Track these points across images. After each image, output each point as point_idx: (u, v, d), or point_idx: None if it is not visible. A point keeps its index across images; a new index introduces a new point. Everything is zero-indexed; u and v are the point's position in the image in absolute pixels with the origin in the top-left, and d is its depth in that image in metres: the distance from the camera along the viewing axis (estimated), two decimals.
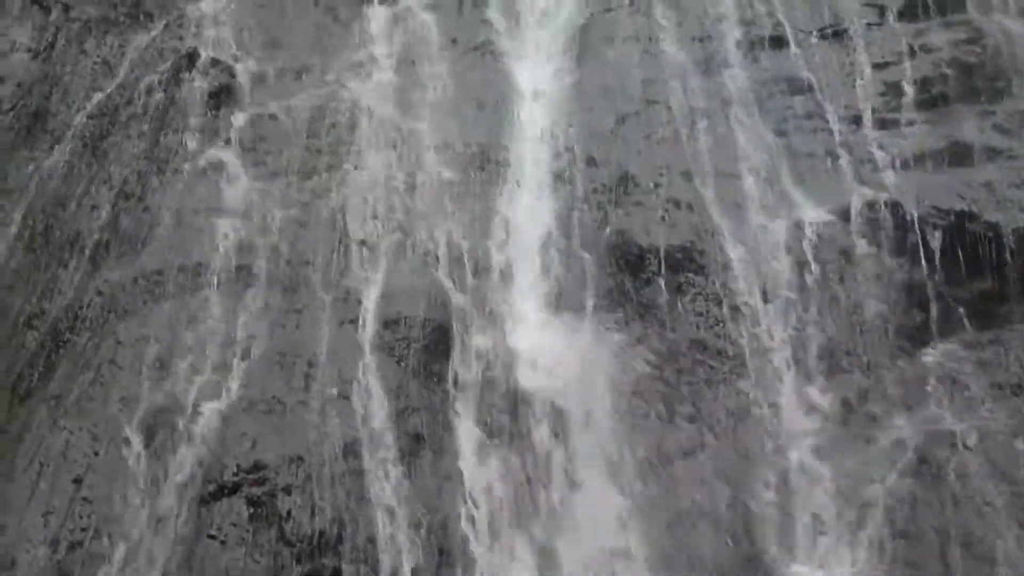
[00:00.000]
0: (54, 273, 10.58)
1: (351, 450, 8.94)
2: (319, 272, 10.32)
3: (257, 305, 10.06)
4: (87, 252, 10.61)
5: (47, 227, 11.03)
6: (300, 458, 8.78)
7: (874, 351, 9.69)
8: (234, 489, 8.63)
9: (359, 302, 10.07)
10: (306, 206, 10.81)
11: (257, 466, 8.74)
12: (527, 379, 9.80)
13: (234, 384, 9.43)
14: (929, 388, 9.34)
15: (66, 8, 12.31)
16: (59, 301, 10.30)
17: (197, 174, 11.06)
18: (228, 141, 11.39)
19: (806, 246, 10.41)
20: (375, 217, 10.81)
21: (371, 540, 8.45)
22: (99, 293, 10.18)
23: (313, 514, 8.48)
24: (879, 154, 11.01)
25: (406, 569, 8.44)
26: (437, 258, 10.52)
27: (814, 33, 12.30)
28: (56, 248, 10.79)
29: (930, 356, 9.55)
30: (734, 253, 10.40)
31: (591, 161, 11.35)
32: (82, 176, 11.38)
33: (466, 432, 9.44)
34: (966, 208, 10.22)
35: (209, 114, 11.63)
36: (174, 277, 10.19)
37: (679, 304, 10.08)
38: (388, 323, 9.88)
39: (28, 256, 10.85)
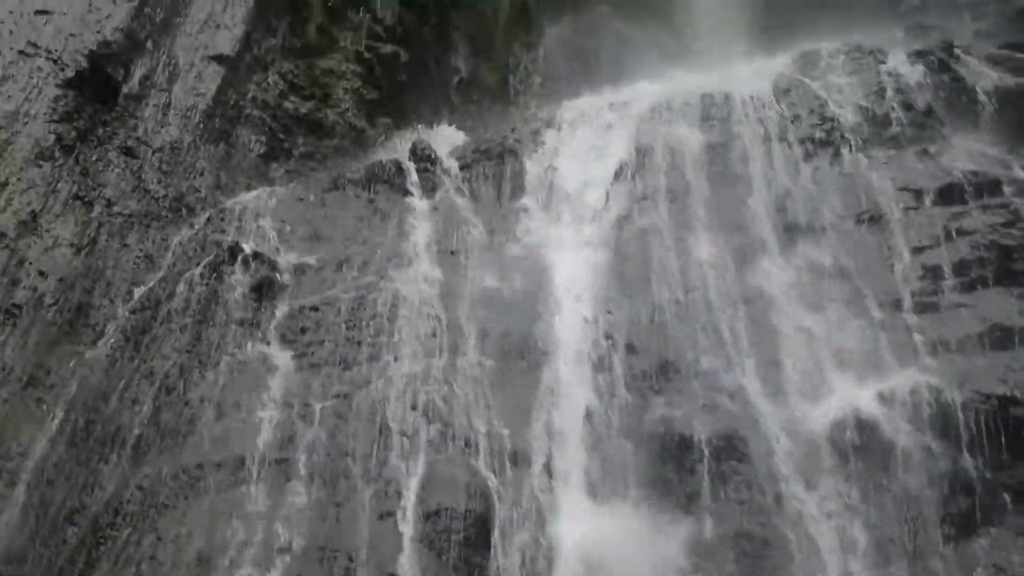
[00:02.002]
0: (95, 468, 11.31)
1: None
2: (359, 464, 10.96)
3: (297, 498, 10.69)
4: (128, 447, 11.34)
5: (88, 422, 11.82)
6: None
7: (920, 539, 10.15)
8: None
9: (399, 494, 10.67)
10: (346, 397, 11.54)
11: None
12: (569, 572, 10.31)
13: None
14: None
15: (109, 203, 13.35)
16: (100, 496, 11.00)
17: (238, 368, 11.88)
18: (269, 334, 12.26)
19: (849, 433, 11.00)
20: (414, 408, 11.49)
21: None
22: (139, 488, 10.87)
23: None
24: (919, 338, 11.65)
25: None
26: (477, 448, 11.15)
27: (851, 218, 13.13)
28: (97, 443, 11.54)
29: (977, 544, 10.02)
30: (777, 441, 11.01)
31: (631, 348, 12.07)
32: (124, 370, 12.23)
33: None
34: (1008, 392, 10.79)
35: (250, 307, 12.52)
36: (214, 471, 10.87)
37: (723, 493, 10.64)
38: (428, 515, 10.43)
39: (69, 451, 11.61)
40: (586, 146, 14.88)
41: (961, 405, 10.81)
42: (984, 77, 14.94)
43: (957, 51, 15.41)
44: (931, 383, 11.08)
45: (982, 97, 14.59)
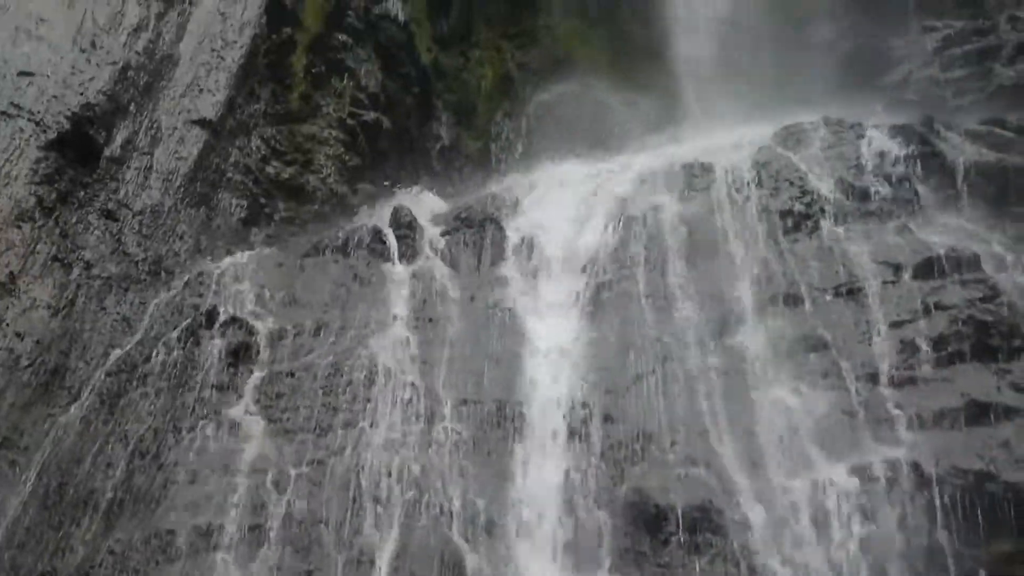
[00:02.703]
0: (67, 531, 11.43)
1: None
2: (332, 531, 11.10)
3: (269, 565, 10.83)
4: (100, 510, 11.48)
5: (61, 484, 11.96)
6: None
7: None
8: None
9: (372, 562, 10.82)
10: (321, 464, 11.70)
11: None
12: None
13: None
14: None
15: (88, 265, 13.57)
16: (71, 560, 11.12)
17: (213, 432, 12.06)
18: (245, 399, 12.46)
19: (826, 506, 11.20)
20: (389, 475, 11.67)
21: None
22: (111, 553, 10.99)
23: None
24: (896, 412, 11.88)
25: None
26: (452, 516, 11.33)
27: (829, 291, 13.43)
28: (69, 506, 11.68)
29: None
30: (753, 513, 11.20)
31: (607, 418, 12.31)
32: (98, 433, 12.38)
33: None
34: (984, 468, 11.01)
35: (227, 372, 12.73)
36: (187, 537, 11.02)
37: (697, 566, 10.81)
38: None
39: (41, 513, 11.74)
40: (567, 214, 15.21)
41: (937, 480, 11.02)
42: (964, 152, 15.31)
43: (937, 126, 15.80)
44: (907, 457, 11.31)
45: (961, 172, 14.95)
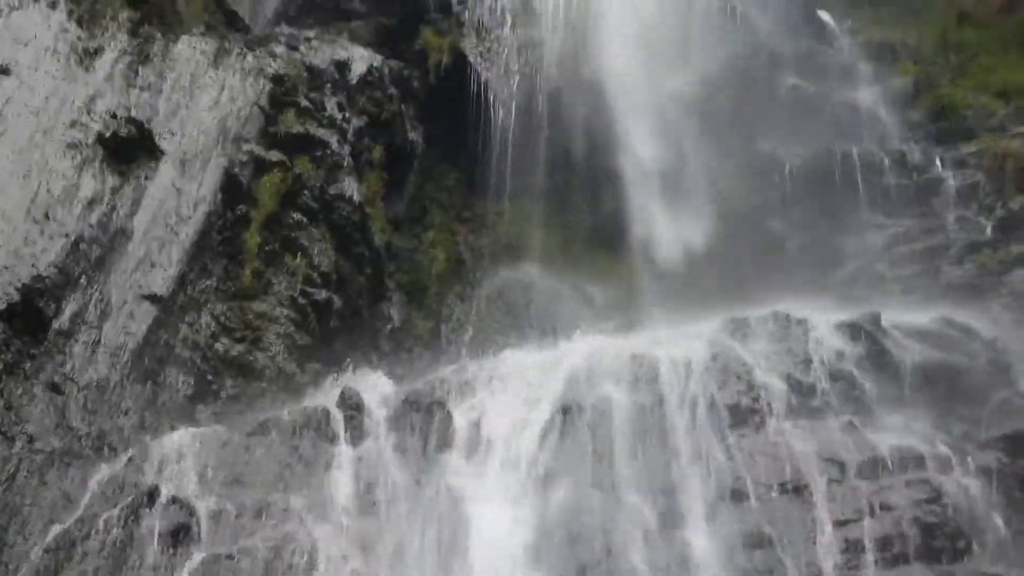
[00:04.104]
0: None
1: None
2: None
3: None
4: None
5: None
6: None
7: None
8: None
9: None
10: None
11: None
12: None
13: None
14: None
15: (31, 439, 13.88)
16: None
17: None
18: None
19: None
20: None
21: None
22: None
23: None
24: None
25: None
26: None
27: (775, 487, 14.03)
28: None
29: None
30: None
31: None
32: None
33: None
34: None
35: (166, 553, 13.01)
36: None
37: None
38: None
39: None
40: (515, 401, 15.77)
41: None
42: (911, 351, 16.14)
43: (885, 324, 16.66)
44: None
45: (908, 371, 15.76)
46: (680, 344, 16.32)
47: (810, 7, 26.80)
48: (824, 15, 27.13)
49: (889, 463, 14.06)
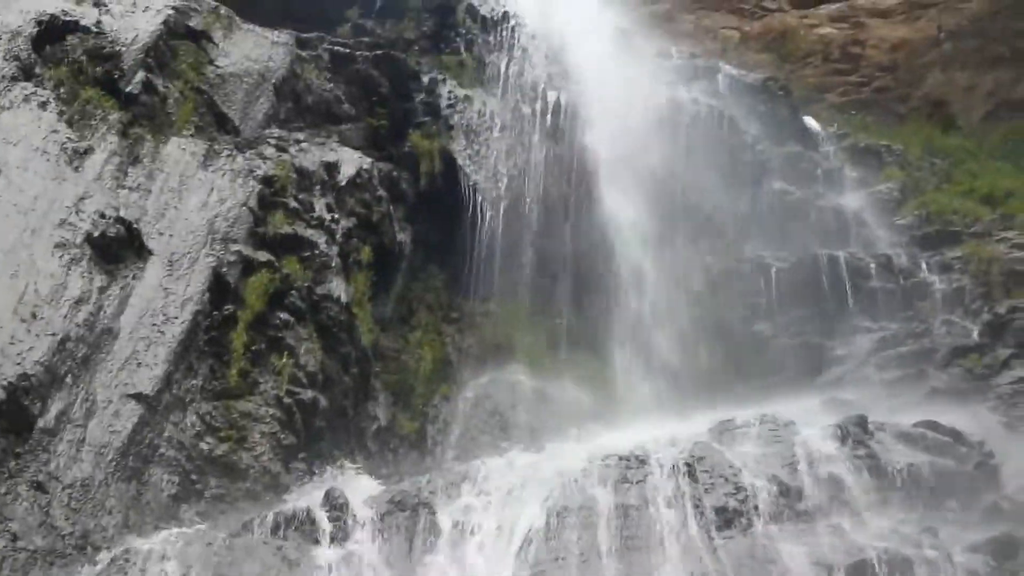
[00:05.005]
0: None
1: None
2: None
3: None
4: None
5: None
6: None
7: None
8: None
9: None
10: None
11: None
12: None
13: None
14: None
15: (14, 537, 13.90)
16: None
17: None
18: None
19: None
20: None
21: None
22: None
23: None
24: None
25: None
26: None
27: None
28: None
29: None
30: None
31: None
32: None
33: None
34: None
35: None
36: None
37: None
38: None
39: None
40: (501, 503, 15.91)
41: None
42: (898, 454, 16.41)
43: (871, 427, 16.94)
44: None
45: (895, 474, 16.00)
46: (667, 446, 16.53)
47: (796, 113, 27.47)
48: (809, 120, 27.83)
49: (877, 567, 14.20)
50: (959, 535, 15.00)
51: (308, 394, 17.64)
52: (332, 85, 22.94)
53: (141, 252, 17.20)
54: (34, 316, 15.39)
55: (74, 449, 14.93)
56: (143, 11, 20.33)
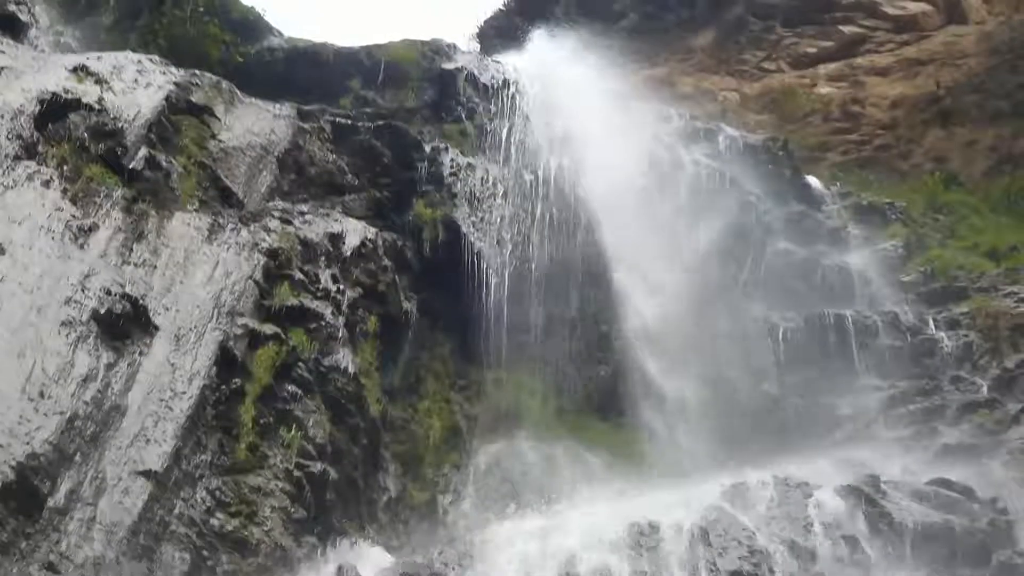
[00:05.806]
0: None
1: None
2: None
3: None
4: None
5: None
6: None
7: None
8: None
9: None
10: None
11: None
12: None
13: None
14: None
15: None
16: None
17: None
18: None
19: None
20: None
21: None
22: None
23: None
24: None
25: None
26: None
27: None
28: None
29: None
30: None
31: None
32: None
33: None
34: None
35: None
36: None
37: None
38: None
39: None
40: (514, 572, 15.94)
41: None
42: (911, 513, 16.42)
43: (884, 486, 16.97)
44: None
45: (909, 533, 16.01)
46: (679, 510, 16.56)
47: (797, 172, 27.68)
48: (812, 179, 28.03)
49: None
50: None
51: (318, 466, 17.66)
52: (335, 156, 23.20)
53: (147, 328, 17.29)
54: (42, 395, 15.44)
55: (85, 528, 14.93)
56: (144, 87, 20.57)
